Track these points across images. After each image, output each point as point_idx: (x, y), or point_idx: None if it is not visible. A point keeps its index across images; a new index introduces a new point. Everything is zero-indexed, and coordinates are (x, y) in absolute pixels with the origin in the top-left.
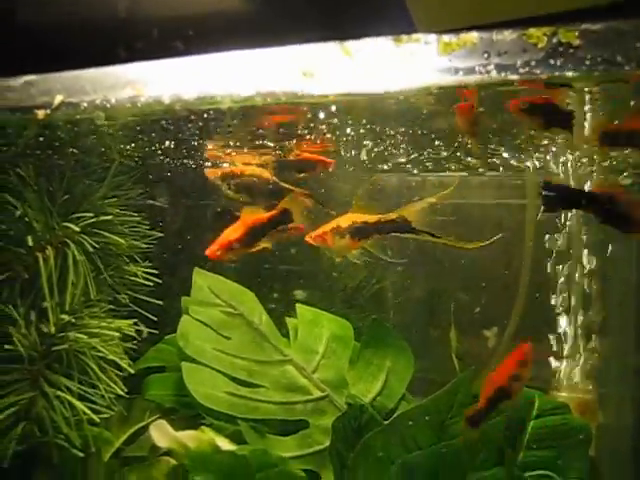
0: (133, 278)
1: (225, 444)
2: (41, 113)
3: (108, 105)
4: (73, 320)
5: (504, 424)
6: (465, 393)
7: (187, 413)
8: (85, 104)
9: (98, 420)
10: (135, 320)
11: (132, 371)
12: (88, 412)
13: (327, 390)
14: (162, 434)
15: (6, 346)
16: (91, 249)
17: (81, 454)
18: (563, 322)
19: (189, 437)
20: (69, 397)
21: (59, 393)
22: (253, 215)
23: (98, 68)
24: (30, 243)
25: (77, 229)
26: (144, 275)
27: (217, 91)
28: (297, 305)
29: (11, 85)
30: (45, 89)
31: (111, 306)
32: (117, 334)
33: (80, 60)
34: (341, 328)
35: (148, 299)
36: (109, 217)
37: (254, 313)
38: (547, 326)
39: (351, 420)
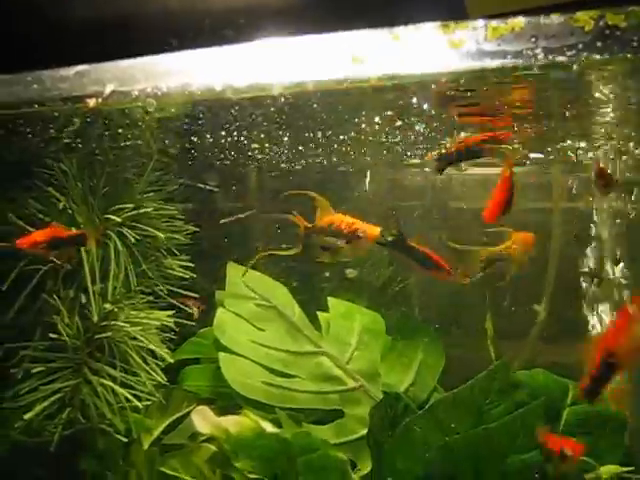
0: (170, 271)
1: (269, 427)
2: (92, 102)
3: (159, 93)
4: (115, 309)
5: (541, 409)
6: (502, 379)
7: (224, 403)
8: (136, 92)
9: (141, 406)
10: (174, 312)
11: (171, 360)
12: (131, 398)
13: (361, 380)
14: (204, 420)
15: (51, 335)
16: (133, 240)
17: (125, 439)
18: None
19: (232, 422)
20: (112, 384)
21: (102, 380)
22: None
23: (149, 57)
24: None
25: (118, 220)
26: (180, 269)
27: (267, 78)
28: (329, 298)
29: (63, 75)
30: (96, 78)
31: (150, 297)
32: (156, 323)
33: (134, 50)
34: (372, 321)
35: (185, 292)
36: (148, 209)
37: (287, 306)
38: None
39: (387, 408)
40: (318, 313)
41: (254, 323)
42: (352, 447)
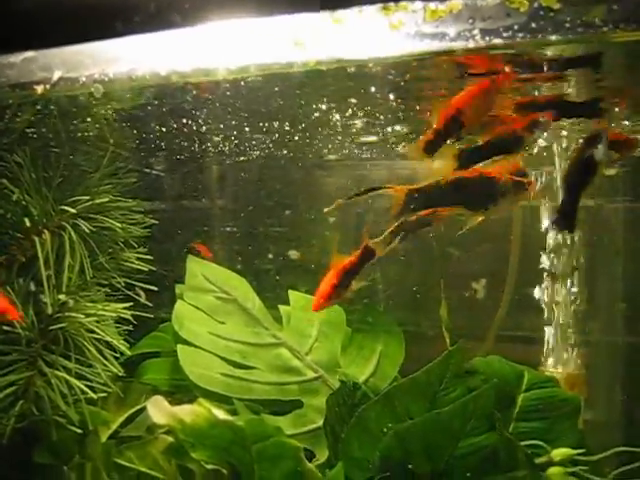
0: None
1: (221, 414)
2: (40, 89)
3: (106, 79)
4: (70, 301)
5: (493, 392)
6: (456, 365)
7: (183, 396)
8: (84, 78)
9: (96, 397)
10: (131, 304)
11: (128, 352)
12: (86, 390)
13: (320, 371)
14: (159, 409)
15: (4, 327)
16: (87, 231)
17: (80, 431)
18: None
19: (186, 411)
20: (67, 376)
21: (57, 373)
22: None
23: (96, 42)
24: (27, 226)
25: (73, 211)
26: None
27: (211, 63)
28: (290, 291)
29: (10, 62)
30: (44, 64)
31: (107, 290)
32: (113, 315)
33: (79, 35)
34: (333, 313)
35: (143, 285)
36: (104, 200)
37: (247, 298)
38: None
39: (344, 397)
40: (280, 306)
41: (213, 316)
42: (310, 437)
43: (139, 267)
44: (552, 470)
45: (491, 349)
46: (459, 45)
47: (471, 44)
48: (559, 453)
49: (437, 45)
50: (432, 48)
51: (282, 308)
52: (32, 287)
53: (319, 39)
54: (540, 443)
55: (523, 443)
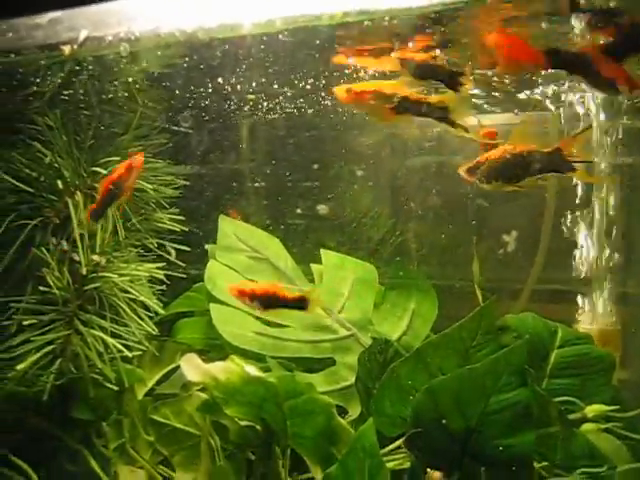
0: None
1: (253, 370)
2: (67, 49)
3: (132, 37)
4: (103, 261)
5: (525, 348)
6: (488, 321)
7: (216, 355)
8: (110, 37)
9: (131, 355)
10: (164, 264)
11: (162, 312)
12: (121, 348)
13: (353, 329)
14: (192, 367)
15: (41, 288)
16: None
17: (116, 388)
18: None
19: (219, 368)
20: (102, 335)
21: (93, 331)
22: None
23: (121, 0)
24: (60, 188)
25: (104, 172)
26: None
27: (239, 18)
28: (322, 250)
29: (37, 23)
30: (70, 25)
31: (139, 250)
32: (145, 274)
33: None
34: (365, 271)
35: (175, 245)
36: None
37: (279, 258)
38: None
39: (376, 353)
40: (312, 265)
41: (245, 275)
42: (343, 394)
43: (171, 227)
44: (586, 426)
45: (525, 306)
46: None
47: None
48: (593, 409)
49: None
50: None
51: (314, 267)
52: (66, 248)
53: None
54: (574, 399)
55: (556, 399)
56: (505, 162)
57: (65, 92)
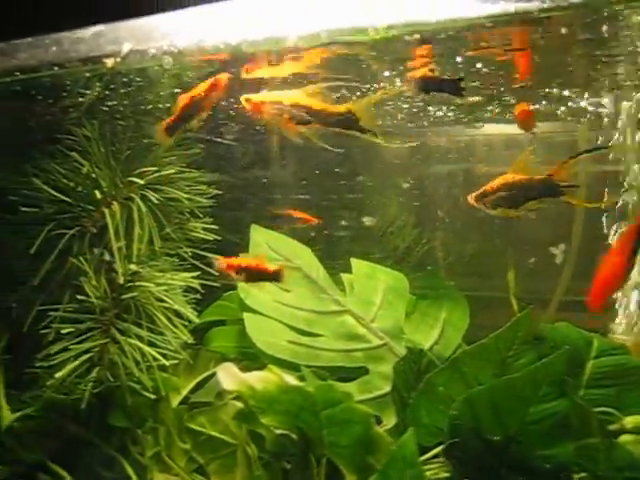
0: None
1: (292, 380)
2: (110, 61)
3: (175, 50)
4: (140, 271)
5: (565, 358)
6: (525, 331)
7: (250, 363)
8: (153, 50)
9: (168, 364)
10: (198, 273)
11: (196, 320)
12: (158, 357)
13: (385, 338)
14: (229, 376)
15: (78, 296)
16: (156, 202)
17: (153, 397)
18: None
19: (256, 378)
20: (139, 343)
21: (129, 340)
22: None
23: (164, 14)
24: (98, 198)
25: (141, 182)
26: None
27: (282, 31)
28: (352, 259)
29: (80, 36)
30: (113, 38)
31: (175, 259)
32: (181, 283)
33: (149, 9)
34: (396, 280)
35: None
36: (170, 171)
37: (311, 267)
38: None
39: (411, 363)
40: (342, 275)
41: (278, 284)
42: (377, 403)
43: (205, 236)
44: (624, 437)
45: (554, 315)
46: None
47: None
48: (632, 421)
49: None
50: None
51: (344, 276)
52: (104, 257)
53: (391, 4)
54: (611, 410)
55: (594, 409)
56: (507, 190)
57: (104, 104)
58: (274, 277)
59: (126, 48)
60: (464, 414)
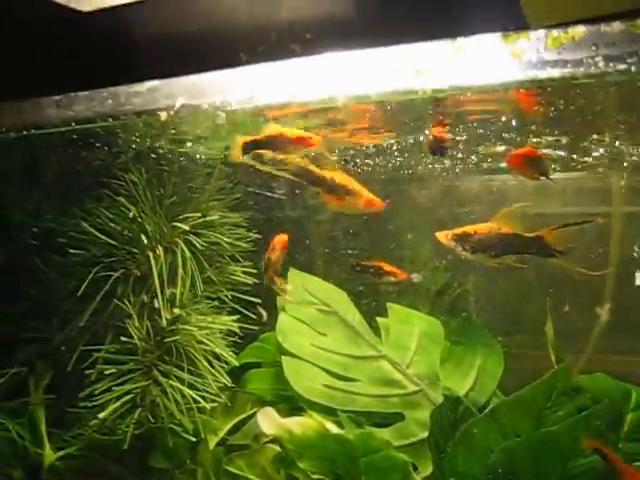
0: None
1: (334, 428)
2: (164, 115)
3: (228, 106)
4: (183, 314)
5: (605, 412)
6: (563, 382)
7: (286, 406)
8: (206, 105)
9: (208, 407)
10: (238, 317)
11: (235, 363)
12: (199, 399)
13: (421, 384)
14: (269, 420)
15: (122, 338)
16: (199, 247)
17: (193, 439)
18: None
19: (296, 423)
20: (180, 386)
21: (171, 382)
22: None
23: (218, 71)
24: (144, 242)
25: (186, 228)
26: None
27: (332, 90)
28: (388, 304)
29: (136, 90)
30: (168, 93)
31: (216, 302)
32: (221, 327)
33: (204, 66)
34: (431, 326)
35: (248, 297)
36: (214, 217)
37: (347, 311)
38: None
39: (448, 411)
40: (378, 319)
41: (315, 328)
42: (412, 450)
43: (244, 280)
44: None
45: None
46: (582, 71)
47: (593, 70)
48: None
49: (559, 72)
50: (554, 75)
51: (380, 321)
52: (147, 300)
53: (440, 67)
54: None
55: (634, 464)
56: (490, 239)
57: (151, 152)
58: None
59: (179, 102)
60: (503, 464)
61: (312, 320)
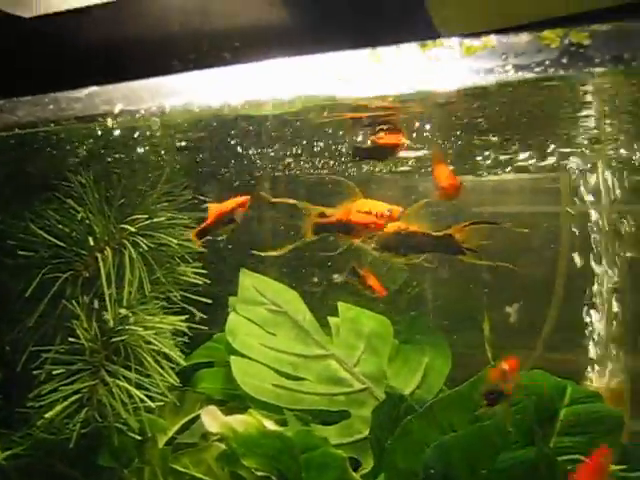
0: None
1: (271, 424)
2: (103, 120)
3: (163, 112)
4: (130, 315)
5: (532, 406)
6: None
7: (235, 405)
8: (142, 112)
9: (154, 406)
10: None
11: (183, 363)
12: (145, 399)
13: (367, 383)
14: (212, 419)
15: (70, 339)
16: (145, 248)
17: (139, 438)
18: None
19: (238, 421)
20: (127, 385)
21: (118, 382)
22: None
23: (154, 78)
24: (91, 244)
25: (132, 229)
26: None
27: (261, 96)
28: (339, 303)
29: (76, 96)
30: (107, 99)
31: (164, 303)
32: (169, 327)
33: (140, 73)
34: (381, 325)
35: (198, 298)
36: (162, 218)
37: (298, 311)
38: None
39: (390, 408)
40: (329, 318)
41: (265, 327)
42: (357, 447)
43: (195, 281)
44: None
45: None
46: (493, 79)
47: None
48: None
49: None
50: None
51: (331, 320)
52: (95, 301)
53: (361, 75)
54: (582, 458)
55: (565, 458)
56: (396, 237)
57: (98, 155)
58: None
59: (118, 108)
60: (437, 460)
61: (262, 320)
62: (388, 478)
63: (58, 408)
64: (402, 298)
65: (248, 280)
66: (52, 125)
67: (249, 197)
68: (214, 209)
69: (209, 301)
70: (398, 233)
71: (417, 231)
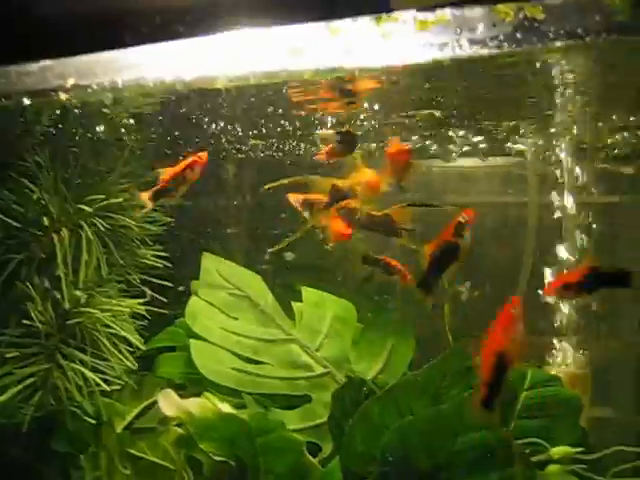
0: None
1: (228, 408)
2: (55, 95)
3: (116, 86)
4: (86, 297)
5: None
6: (458, 362)
7: (195, 390)
8: (95, 86)
9: (109, 389)
10: (146, 299)
11: (142, 347)
12: (100, 382)
13: (329, 367)
14: (169, 402)
15: (24, 321)
16: (103, 229)
17: (93, 421)
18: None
19: (194, 404)
20: (82, 369)
21: (73, 365)
22: None
23: (106, 52)
24: (46, 224)
25: (89, 210)
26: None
27: (214, 71)
28: (303, 288)
29: (28, 70)
30: (59, 73)
31: (122, 286)
32: (127, 310)
33: (91, 46)
34: (344, 309)
35: (159, 281)
36: (120, 199)
37: (260, 295)
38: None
39: (350, 392)
40: (292, 302)
41: (226, 312)
42: (318, 431)
43: (154, 264)
44: (550, 468)
45: None
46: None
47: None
48: (558, 451)
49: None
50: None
51: (295, 304)
52: (51, 283)
53: (316, 48)
54: (540, 441)
55: (524, 441)
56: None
57: (57, 132)
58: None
59: (70, 82)
60: (395, 443)
61: (224, 304)
62: (347, 462)
63: (12, 392)
64: (369, 284)
65: (210, 263)
66: (3, 100)
67: (204, 154)
68: (167, 171)
69: (170, 284)
70: (343, 209)
71: (360, 209)
